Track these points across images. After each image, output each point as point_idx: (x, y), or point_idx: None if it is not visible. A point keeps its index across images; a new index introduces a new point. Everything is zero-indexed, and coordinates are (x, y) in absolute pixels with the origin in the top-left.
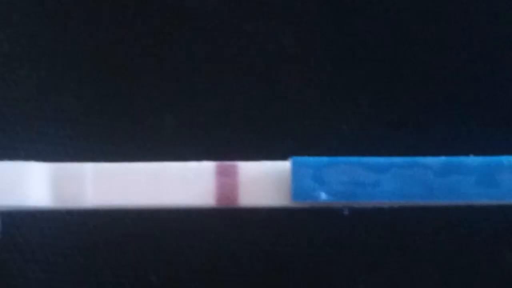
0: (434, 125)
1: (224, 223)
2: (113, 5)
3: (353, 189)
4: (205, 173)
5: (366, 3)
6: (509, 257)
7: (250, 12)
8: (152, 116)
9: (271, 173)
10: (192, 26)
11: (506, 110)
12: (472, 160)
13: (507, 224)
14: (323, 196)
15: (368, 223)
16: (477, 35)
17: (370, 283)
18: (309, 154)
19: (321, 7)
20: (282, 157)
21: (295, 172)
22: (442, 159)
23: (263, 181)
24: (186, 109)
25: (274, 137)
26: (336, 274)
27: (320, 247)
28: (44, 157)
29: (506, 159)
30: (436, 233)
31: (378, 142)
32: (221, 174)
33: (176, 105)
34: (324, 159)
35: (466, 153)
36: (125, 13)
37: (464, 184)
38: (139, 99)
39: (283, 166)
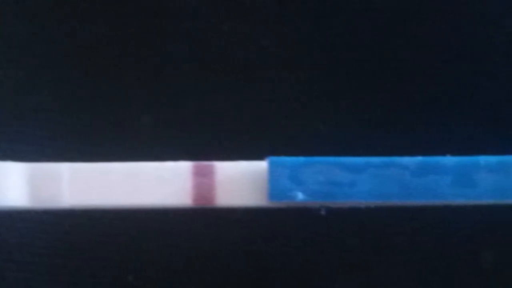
0: (410, 125)
1: (201, 223)
2: (92, 5)
3: (329, 189)
4: (182, 173)
5: (344, 3)
6: (486, 257)
7: (229, 13)
8: (129, 116)
9: (247, 173)
10: (170, 26)
11: (483, 110)
12: (449, 160)
13: (484, 224)
14: (300, 196)
15: (344, 223)
16: (456, 36)
17: (347, 283)
18: (286, 154)
19: (299, 7)
20: (259, 157)
21: (272, 172)
22: (419, 159)
23: (239, 181)
24: (163, 109)
25: (251, 137)
26: (313, 274)
27: (297, 247)
28: (21, 157)
29: (482, 159)
30: (413, 233)
31: (354, 142)
32: (198, 174)
33: (153, 105)
34: (301, 159)
35: (443, 153)
36: (104, 13)
37: (440, 184)
38: (117, 99)
39: (260, 166)
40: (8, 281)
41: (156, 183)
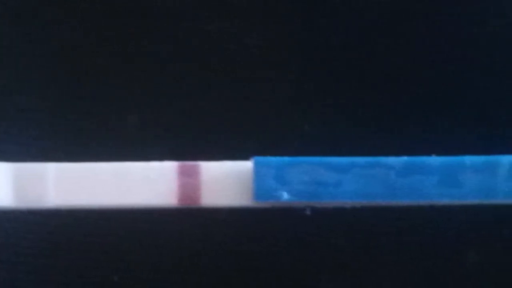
0: (396, 126)
1: (186, 223)
2: (77, 6)
3: (315, 189)
4: (168, 173)
5: (329, 3)
6: (472, 256)
7: (214, 13)
8: (115, 116)
9: (233, 173)
10: (155, 26)
11: (468, 110)
12: (434, 160)
13: (469, 224)
14: (285, 196)
15: (330, 223)
16: (442, 36)
17: (333, 282)
18: (271, 154)
19: (284, 7)
20: (244, 157)
21: (257, 172)
22: (404, 159)
23: (225, 181)
24: (149, 109)
25: (236, 137)
26: (298, 273)
27: (282, 247)
28: (6, 157)
29: (468, 159)
30: (398, 233)
31: (340, 142)
32: (184, 174)
33: (139, 106)
34: (286, 159)
35: (428, 153)
36: (89, 14)
37: (426, 184)
38: (102, 100)
39: (245, 166)
40: None
41: (141, 183)
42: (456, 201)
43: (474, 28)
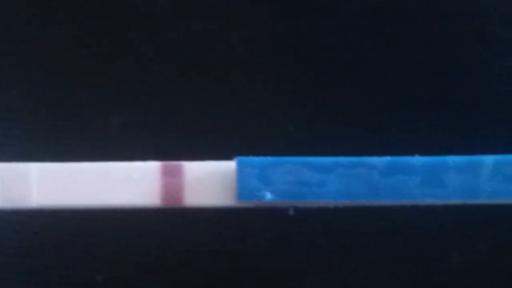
0: (379, 125)
1: (169, 223)
2: (60, 4)
3: (298, 189)
4: (151, 173)
5: (313, 3)
6: (455, 256)
7: (198, 12)
8: (98, 116)
9: (216, 173)
10: (140, 26)
11: (451, 110)
12: (417, 160)
13: (453, 224)
14: (268, 196)
15: (313, 223)
16: (425, 37)
17: (316, 282)
18: (254, 154)
19: (268, 7)
20: (228, 157)
21: (240, 172)
22: (387, 159)
23: (208, 181)
24: (132, 109)
25: (219, 137)
26: (281, 273)
27: (265, 247)
28: None
29: (451, 159)
30: (381, 233)
31: (323, 142)
32: (167, 174)
33: (122, 105)
34: (269, 159)
35: (411, 153)
36: (73, 12)
37: (409, 184)
38: (85, 99)
39: (229, 166)
40: None
41: (124, 183)
42: (439, 201)
43: (458, 29)
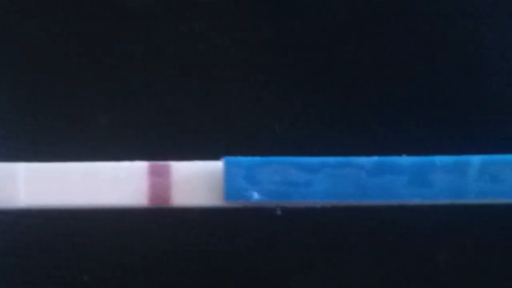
0: (366, 125)
1: (157, 223)
2: (48, 4)
3: (285, 189)
4: (138, 173)
5: (299, 3)
6: (442, 256)
7: (185, 13)
8: (86, 116)
9: (203, 173)
10: (127, 26)
11: (439, 109)
12: (405, 160)
13: (440, 224)
14: (256, 196)
15: (300, 223)
16: (411, 35)
17: (303, 282)
18: (241, 154)
19: (255, 7)
20: (215, 157)
21: (228, 172)
22: (375, 159)
23: (195, 181)
24: (120, 109)
25: (207, 137)
26: (269, 274)
27: (252, 247)
28: None
29: (438, 159)
30: (369, 233)
31: (310, 142)
32: (154, 174)
33: (109, 105)
34: (257, 159)
35: (399, 153)
36: (60, 12)
37: (396, 184)
38: (73, 99)
39: (216, 166)
40: None
41: (112, 183)
42: (427, 201)
43: (446, 29)
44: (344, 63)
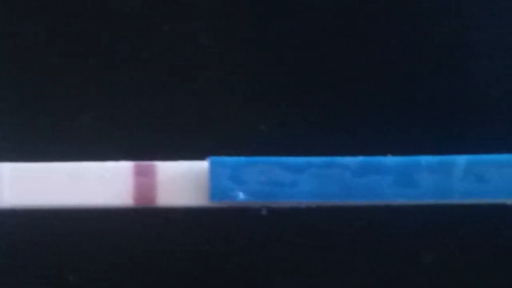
0: (352, 125)
1: (142, 223)
2: (33, 4)
3: (270, 189)
4: (123, 173)
5: (284, 3)
6: (427, 256)
7: (169, 13)
8: (71, 116)
9: (189, 173)
10: (111, 26)
11: (424, 110)
12: (390, 160)
13: (425, 224)
14: (241, 196)
15: (285, 223)
16: (395, 36)
17: (288, 283)
18: (227, 154)
19: (239, 7)
20: (200, 157)
21: (213, 172)
22: (360, 159)
23: (181, 181)
24: (105, 109)
25: (192, 137)
26: (254, 274)
27: (238, 247)
28: None
29: (424, 159)
30: (354, 233)
31: (296, 142)
32: (139, 174)
33: (94, 105)
34: (242, 159)
35: (384, 153)
36: (45, 12)
37: (382, 184)
38: (57, 99)
39: (201, 166)
40: None
41: (97, 183)
42: (412, 201)
43: (428, 28)
44: (330, 63)
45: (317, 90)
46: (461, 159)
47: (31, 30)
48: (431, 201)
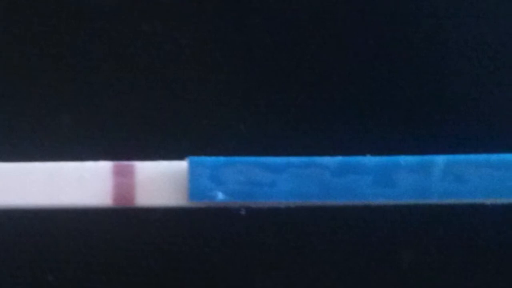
0: (330, 125)
1: (120, 223)
2: (9, 3)
3: (250, 189)
4: (102, 173)
5: (263, 3)
6: (405, 256)
7: (148, 12)
8: (49, 116)
9: (168, 173)
10: (89, 25)
11: (403, 109)
12: (369, 160)
13: (404, 224)
14: (220, 196)
15: (264, 223)
16: (374, 35)
17: (267, 283)
18: (206, 154)
19: (218, 7)
20: (179, 157)
21: (192, 172)
22: (339, 159)
23: (160, 181)
24: (83, 108)
25: (171, 137)
26: (233, 274)
27: (217, 247)
28: None
29: (403, 159)
30: (333, 233)
31: (275, 142)
32: (118, 174)
33: (72, 105)
34: (221, 159)
35: (363, 153)
36: (22, 11)
37: (361, 184)
38: (35, 99)
39: (180, 166)
40: None
41: (76, 183)
42: (391, 201)
43: (409, 28)
44: (308, 63)
45: (296, 90)
46: (440, 159)
47: (8, 30)
48: (410, 201)
